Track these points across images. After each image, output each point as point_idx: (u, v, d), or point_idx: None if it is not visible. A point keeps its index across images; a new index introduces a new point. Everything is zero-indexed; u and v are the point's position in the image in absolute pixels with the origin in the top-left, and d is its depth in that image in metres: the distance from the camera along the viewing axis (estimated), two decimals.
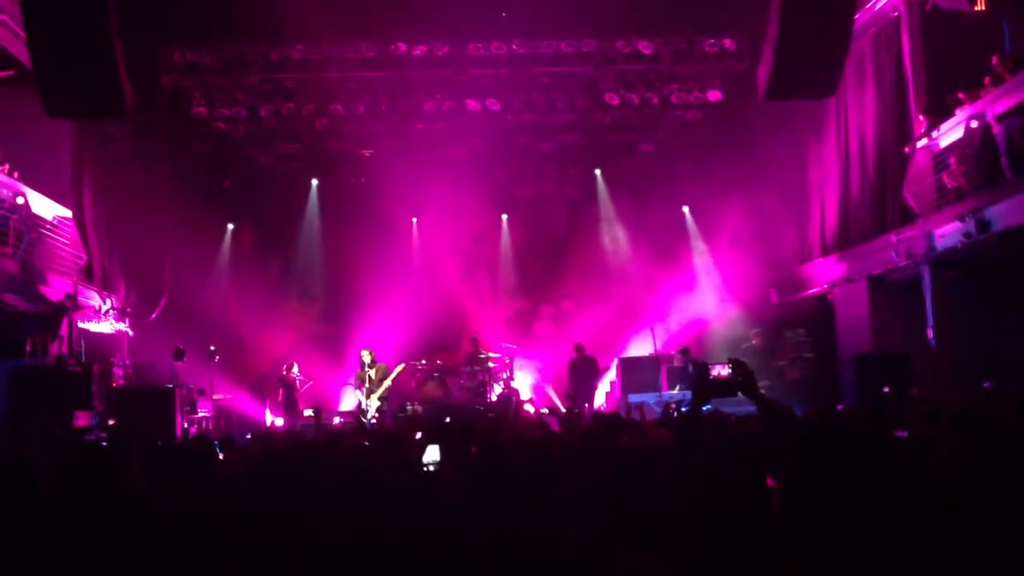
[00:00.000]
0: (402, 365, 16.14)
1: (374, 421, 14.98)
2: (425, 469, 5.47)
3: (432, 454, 5.56)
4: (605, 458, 4.37)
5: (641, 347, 17.41)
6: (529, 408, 15.39)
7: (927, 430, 5.57)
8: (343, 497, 4.24)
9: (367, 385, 15.58)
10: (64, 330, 13.65)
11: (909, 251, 12.90)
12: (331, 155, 18.79)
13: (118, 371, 14.31)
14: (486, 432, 6.77)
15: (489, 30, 16.17)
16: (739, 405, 7.55)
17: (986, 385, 9.52)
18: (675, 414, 8.89)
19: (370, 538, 3.56)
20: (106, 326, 15.12)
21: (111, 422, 12.09)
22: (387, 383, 15.61)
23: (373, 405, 15.39)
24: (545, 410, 11.72)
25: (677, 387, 14.99)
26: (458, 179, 18.32)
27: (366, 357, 15.86)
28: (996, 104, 11.14)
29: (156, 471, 4.93)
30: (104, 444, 8.12)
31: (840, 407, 9.03)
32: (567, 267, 20.05)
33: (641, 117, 17.83)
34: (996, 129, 11.02)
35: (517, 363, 17.68)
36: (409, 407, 15.74)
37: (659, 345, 17.02)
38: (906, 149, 13.42)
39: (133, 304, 16.26)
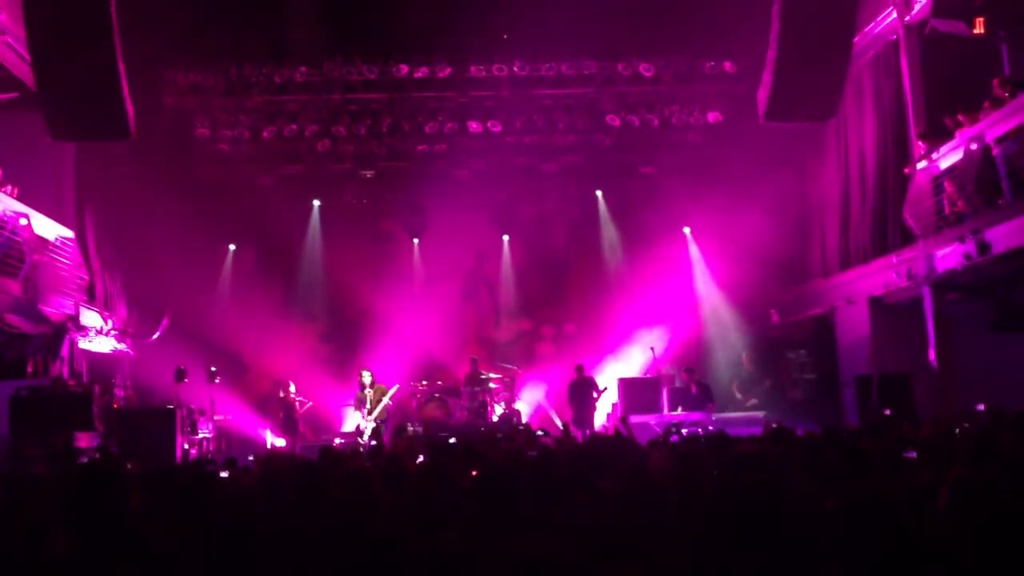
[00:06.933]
0: (396, 386, 16.13)
1: (372, 443, 14.93)
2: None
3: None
4: (604, 481, 4.37)
5: (642, 367, 17.38)
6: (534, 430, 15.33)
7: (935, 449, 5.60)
8: (344, 517, 4.24)
9: (367, 406, 15.58)
10: (66, 351, 13.64)
11: (910, 272, 12.91)
12: (333, 176, 18.85)
13: (119, 392, 14.30)
14: (486, 454, 6.77)
15: (491, 52, 16.26)
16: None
17: (980, 407, 9.52)
18: (674, 436, 8.86)
19: (370, 559, 3.56)
20: (107, 347, 15.13)
21: (113, 449, 12.04)
22: (382, 404, 15.61)
23: (369, 427, 15.37)
24: (541, 431, 11.67)
25: (679, 408, 14.95)
26: (459, 200, 18.38)
27: (366, 378, 15.87)
28: (996, 127, 11.17)
29: (157, 492, 4.94)
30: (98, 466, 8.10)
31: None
32: (568, 288, 20.08)
33: (642, 138, 17.92)
34: (996, 151, 11.05)
35: (520, 384, 17.69)
36: (410, 427, 15.70)
37: (660, 361, 16.99)
38: (906, 170, 13.47)
39: (135, 325, 16.25)
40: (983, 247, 11.05)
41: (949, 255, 11.95)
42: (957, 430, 7.18)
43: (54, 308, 13.13)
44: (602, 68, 16.55)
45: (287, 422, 16.00)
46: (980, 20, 11.94)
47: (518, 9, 14.55)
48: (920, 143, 13.02)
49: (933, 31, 12.82)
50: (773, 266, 17.50)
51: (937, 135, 12.66)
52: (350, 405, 16.42)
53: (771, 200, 16.56)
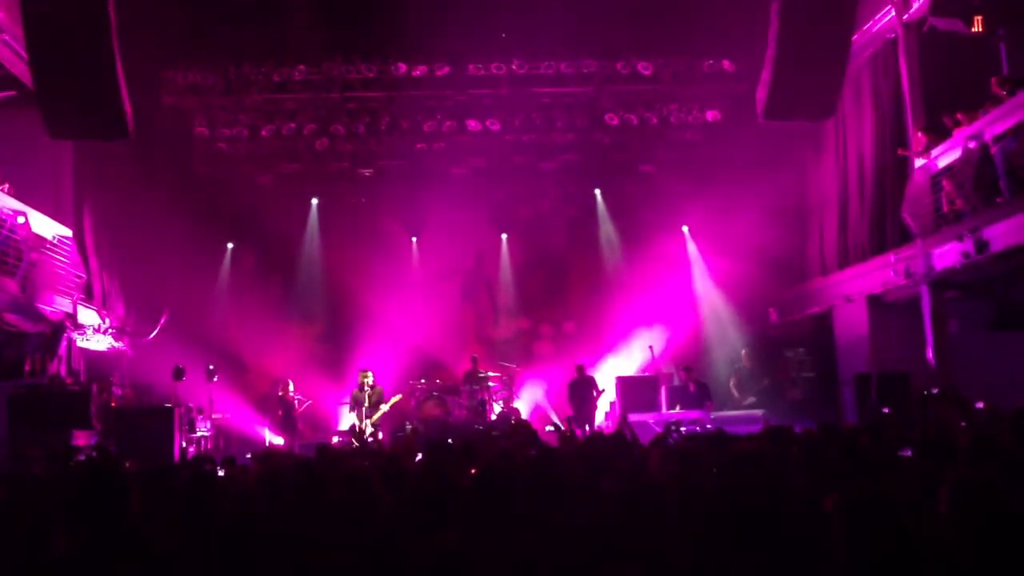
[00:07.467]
0: (399, 396, 16.07)
1: (370, 440, 14.92)
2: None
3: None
4: (604, 481, 4.37)
5: (640, 366, 17.39)
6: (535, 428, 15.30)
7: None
8: (343, 517, 4.24)
9: (366, 406, 15.52)
10: (63, 350, 13.63)
11: (908, 270, 12.92)
12: (331, 175, 18.83)
13: (117, 390, 14.29)
14: (485, 452, 6.76)
15: (489, 50, 16.25)
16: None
17: (979, 406, 9.52)
18: (674, 435, 8.83)
19: (369, 558, 3.56)
20: (105, 345, 15.12)
21: (111, 447, 12.04)
22: (382, 411, 15.50)
23: (367, 430, 15.31)
24: (550, 427, 11.67)
25: (677, 406, 14.95)
26: (458, 198, 18.36)
27: (366, 378, 15.81)
28: (994, 125, 11.18)
29: (156, 491, 4.93)
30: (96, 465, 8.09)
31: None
32: (567, 286, 20.09)
33: (640, 137, 17.91)
34: (994, 149, 11.06)
35: (519, 383, 17.70)
36: (408, 426, 15.69)
37: (659, 359, 16.98)
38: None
39: (132, 323, 16.24)
40: (981, 245, 11.06)
41: (947, 253, 11.96)
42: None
43: (52, 307, 13.12)
44: (601, 67, 16.56)
45: (286, 420, 15.98)
46: (978, 18, 11.96)
47: (517, 8, 14.55)
48: (920, 135, 13.01)
49: (932, 29, 12.84)
50: (772, 265, 17.51)
51: (936, 133, 12.68)
52: (345, 403, 16.38)
53: (770, 199, 16.56)
